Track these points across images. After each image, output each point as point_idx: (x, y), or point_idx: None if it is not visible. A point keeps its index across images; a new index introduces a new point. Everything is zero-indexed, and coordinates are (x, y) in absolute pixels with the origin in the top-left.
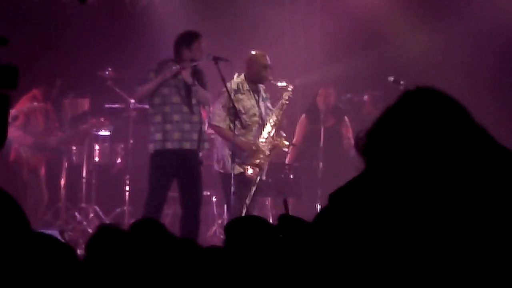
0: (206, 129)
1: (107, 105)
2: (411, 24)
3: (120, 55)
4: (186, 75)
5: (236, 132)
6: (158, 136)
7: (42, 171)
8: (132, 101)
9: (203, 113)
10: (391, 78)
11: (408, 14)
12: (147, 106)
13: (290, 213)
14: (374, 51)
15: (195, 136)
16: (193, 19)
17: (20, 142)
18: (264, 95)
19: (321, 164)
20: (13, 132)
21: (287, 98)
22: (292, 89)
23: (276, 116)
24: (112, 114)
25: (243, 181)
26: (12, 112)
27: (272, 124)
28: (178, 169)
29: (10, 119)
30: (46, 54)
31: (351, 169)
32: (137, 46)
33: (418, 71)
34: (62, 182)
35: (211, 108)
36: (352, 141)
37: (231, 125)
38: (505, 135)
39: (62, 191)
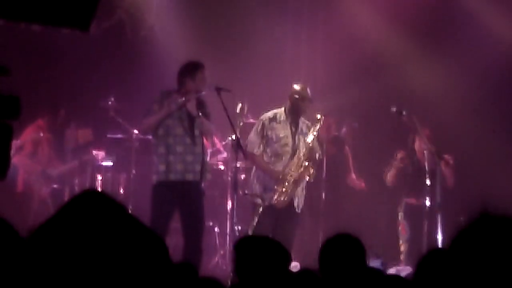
0: (208, 159)
1: (109, 135)
2: (414, 54)
3: (122, 85)
4: (190, 107)
5: (266, 160)
6: (162, 167)
7: (49, 201)
8: (135, 131)
9: (206, 144)
10: (394, 108)
11: (410, 45)
12: (149, 137)
13: (293, 244)
14: (375, 81)
15: (197, 168)
16: (194, 48)
17: (29, 171)
18: (304, 129)
19: (323, 194)
20: (22, 161)
21: (317, 130)
22: (323, 121)
23: (305, 149)
24: (114, 144)
25: (266, 210)
26: (18, 142)
27: (301, 156)
28: (181, 200)
29: (16, 149)
30: (49, 84)
31: (351, 196)
32: (139, 75)
33: (420, 101)
34: None
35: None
36: (353, 173)
37: (264, 153)
38: (510, 164)
39: None
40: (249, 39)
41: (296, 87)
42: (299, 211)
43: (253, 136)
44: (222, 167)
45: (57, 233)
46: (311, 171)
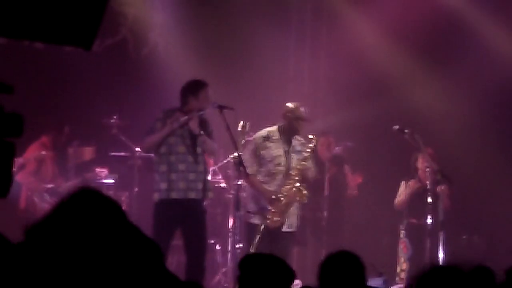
0: (210, 178)
1: (112, 153)
2: (416, 73)
3: (125, 102)
4: (193, 125)
5: (261, 179)
6: (163, 185)
7: None
8: (137, 149)
9: (208, 162)
10: (396, 127)
11: (413, 63)
12: (152, 154)
13: (296, 262)
14: (378, 100)
15: (199, 186)
16: (197, 66)
17: (33, 189)
18: (298, 148)
19: (325, 213)
20: (25, 179)
21: (309, 150)
22: (316, 141)
23: (297, 168)
24: (117, 162)
25: (250, 228)
26: (20, 160)
27: (293, 175)
28: (183, 218)
29: (18, 167)
30: (52, 102)
31: (353, 215)
32: (142, 93)
33: (423, 120)
34: None
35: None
36: (354, 190)
37: (258, 173)
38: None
39: None
40: (251, 57)
41: (290, 105)
42: (292, 230)
43: (246, 156)
44: (224, 185)
45: (52, 229)
46: (303, 192)
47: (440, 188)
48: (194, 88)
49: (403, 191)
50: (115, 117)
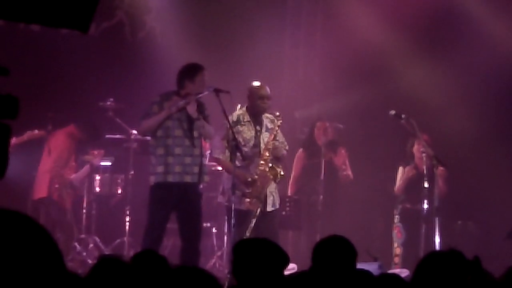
0: (206, 161)
1: (108, 136)
2: (413, 58)
3: (121, 85)
4: (190, 109)
5: (238, 164)
6: (160, 168)
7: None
8: (133, 132)
9: (204, 146)
10: (392, 112)
11: (408, 48)
12: (148, 137)
13: (291, 246)
14: (374, 84)
15: (195, 169)
16: (193, 50)
17: (59, 182)
18: (269, 126)
19: (321, 197)
20: (57, 171)
21: (277, 128)
22: (280, 116)
23: (267, 148)
24: (113, 144)
25: (244, 213)
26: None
27: (265, 155)
28: (178, 201)
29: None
30: (48, 85)
31: (348, 200)
32: (138, 76)
33: (419, 106)
34: None
35: (214, 141)
36: (349, 172)
37: (232, 157)
38: (507, 169)
39: None
40: (247, 41)
41: (253, 85)
42: (275, 208)
43: (217, 142)
44: (220, 169)
45: None
46: (277, 170)
47: (438, 170)
48: (190, 71)
49: (400, 178)
50: (111, 100)
